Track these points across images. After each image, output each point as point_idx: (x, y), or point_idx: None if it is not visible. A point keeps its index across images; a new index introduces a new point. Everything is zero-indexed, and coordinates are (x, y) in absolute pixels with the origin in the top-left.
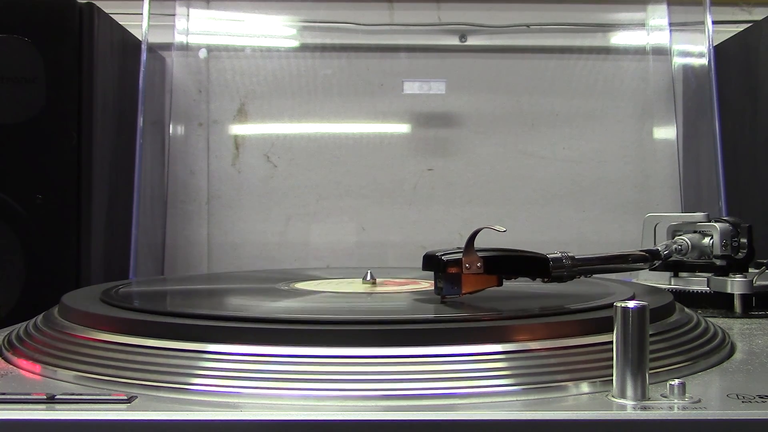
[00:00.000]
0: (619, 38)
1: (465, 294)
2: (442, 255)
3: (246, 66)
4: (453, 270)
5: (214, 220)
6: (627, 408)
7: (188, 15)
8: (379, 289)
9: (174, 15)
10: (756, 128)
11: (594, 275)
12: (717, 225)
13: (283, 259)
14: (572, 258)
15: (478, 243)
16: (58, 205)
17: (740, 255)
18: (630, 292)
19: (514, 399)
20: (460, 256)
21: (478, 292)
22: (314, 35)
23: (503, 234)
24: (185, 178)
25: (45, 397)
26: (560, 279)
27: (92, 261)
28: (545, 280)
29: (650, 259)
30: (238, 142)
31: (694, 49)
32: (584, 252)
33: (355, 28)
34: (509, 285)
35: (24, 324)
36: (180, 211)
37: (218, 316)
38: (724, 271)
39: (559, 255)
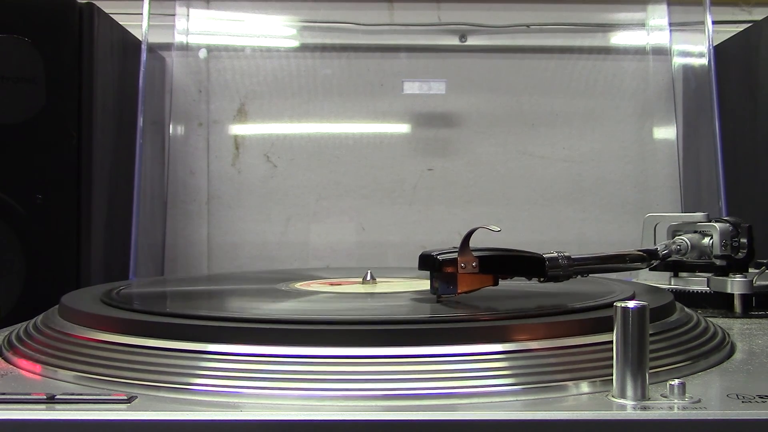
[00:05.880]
0: (619, 38)
1: (461, 293)
2: (438, 254)
3: (246, 66)
4: (449, 269)
5: (214, 220)
6: (627, 408)
7: (188, 15)
8: (378, 289)
9: (174, 15)
10: (756, 128)
11: (593, 275)
12: (717, 225)
13: (283, 259)
14: (568, 258)
15: (477, 243)
16: (58, 205)
17: (740, 255)
18: (630, 292)
19: (514, 399)
20: (455, 255)
21: (474, 291)
22: (314, 35)
23: (501, 234)
24: (185, 178)
25: (45, 397)
26: (556, 279)
27: (92, 261)
28: (541, 279)
29: (648, 259)
30: (238, 142)
31: (694, 49)
32: (584, 252)
33: (355, 28)
34: (509, 285)
35: (24, 324)
36: (180, 211)
37: (218, 316)
38: (724, 271)
39: (556, 254)
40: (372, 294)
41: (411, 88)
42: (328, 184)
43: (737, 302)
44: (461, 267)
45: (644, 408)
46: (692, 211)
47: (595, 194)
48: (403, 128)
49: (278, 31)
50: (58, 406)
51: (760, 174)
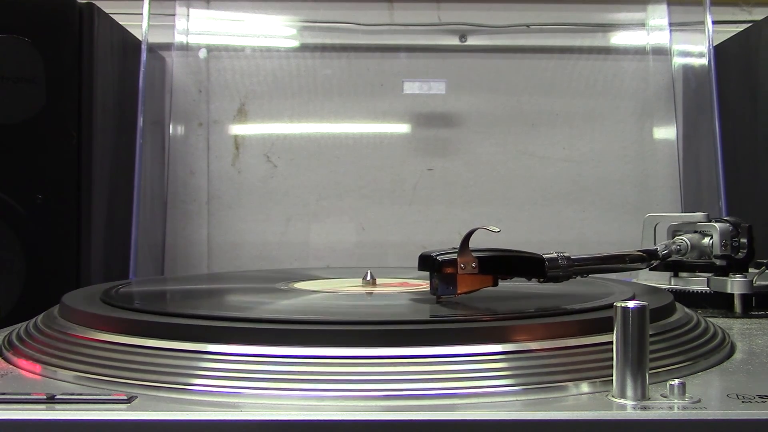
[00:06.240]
0: (619, 38)
1: (460, 294)
2: (438, 255)
3: (246, 66)
4: (448, 270)
5: (214, 220)
6: (627, 408)
7: (188, 15)
8: (378, 289)
9: (174, 15)
10: (756, 128)
11: (593, 275)
12: (717, 225)
13: (283, 259)
14: (568, 258)
15: (477, 243)
16: (58, 205)
17: (740, 255)
18: (630, 292)
19: (515, 399)
20: (455, 256)
21: (473, 292)
22: (314, 35)
23: (501, 234)
24: (185, 178)
25: (45, 397)
26: (556, 279)
27: (92, 261)
28: (541, 280)
29: (647, 259)
30: (238, 142)
31: (694, 49)
32: (584, 252)
33: (355, 28)
34: (509, 285)
35: (24, 324)
36: (180, 211)
37: (218, 316)
38: (724, 271)
39: (555, 255)
40: (372, 294)
41: (411, 88)
42: (328, 184)
43: (737, 302)
44: (461, 267)
45: (644, 408)
46: (692, 211)
47: (595, 194)
48: (403, 128)
49: (278, 31)
50: (58, 406)
51: (760, 174)
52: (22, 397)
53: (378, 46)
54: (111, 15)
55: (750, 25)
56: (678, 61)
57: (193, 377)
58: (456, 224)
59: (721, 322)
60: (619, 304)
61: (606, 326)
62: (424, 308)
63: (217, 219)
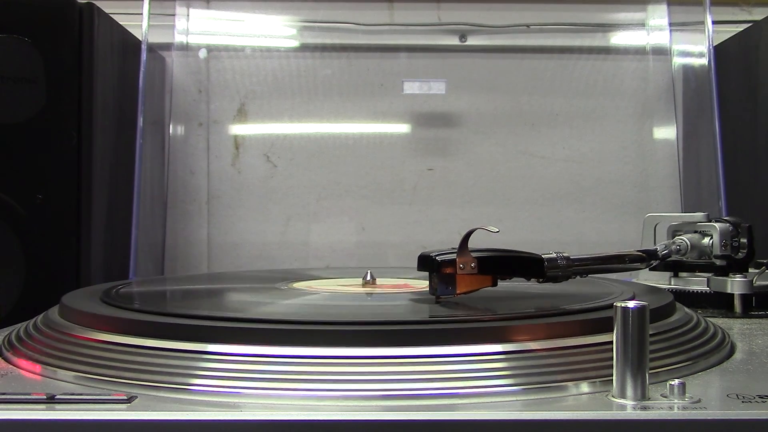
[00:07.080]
0: (619, 38)
1: (460, 294)
2: (437, 255)
3: (246, 66)
4: (447, 270)
5: (214, 220)
6: (627, 408)
7: (188, 15)
8: (379, 289)
9: (174, 15)
10: (756, 128)
11: (592, 275)
12: (717, 225)
13: (283, 259)
14: (567, 258)
15: (477, 243)
16: (58, 205)
17: (740, 255)
18: (630, 292)
19: (514, 399)
20: (454, 256)
21: (472, 292)
22: (314, 35)
23: (501, 234)
24: (185, 178)
25: (45, 397)
26: (555, 279)
27: (92, 261)
28: (540, 280)
29: (647, 259)
30: (238, 142)
31: (694, 49)
32: (584, 252)
33: (355, 28)
34: (509, 285)
35: (24, 324)
36: (180, 211)
37: (218, 316)
38: (724, 271)
39: (554, 255)
40: (372, 294)
41: (411, 88)
42: (328, 184)
43: (737, 302)
44: (460, 268)
45: (644, 408)
46: (692, 211)
47: (595, 194)
48: (403, 128)
49: (278, 31)
50: (58, 406)
51: (760, 174)
52: (22, 397)
53: (378, 46)
54: (111, 15)
55: (750, 25)
56: (678, 61)
57: (193, 377)
58: (456, 224)
59: (721, 322)
60: (619, 304)
61: (606, 326)
62: (423, 308)
63: (217, 219)
